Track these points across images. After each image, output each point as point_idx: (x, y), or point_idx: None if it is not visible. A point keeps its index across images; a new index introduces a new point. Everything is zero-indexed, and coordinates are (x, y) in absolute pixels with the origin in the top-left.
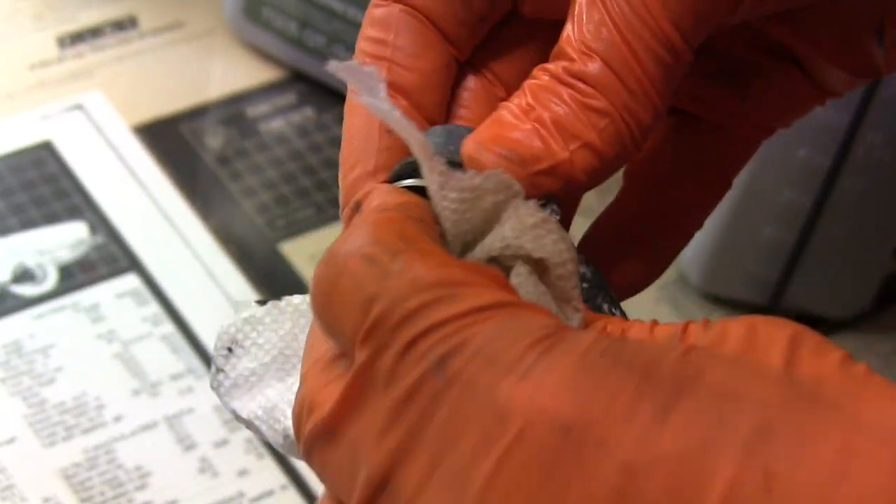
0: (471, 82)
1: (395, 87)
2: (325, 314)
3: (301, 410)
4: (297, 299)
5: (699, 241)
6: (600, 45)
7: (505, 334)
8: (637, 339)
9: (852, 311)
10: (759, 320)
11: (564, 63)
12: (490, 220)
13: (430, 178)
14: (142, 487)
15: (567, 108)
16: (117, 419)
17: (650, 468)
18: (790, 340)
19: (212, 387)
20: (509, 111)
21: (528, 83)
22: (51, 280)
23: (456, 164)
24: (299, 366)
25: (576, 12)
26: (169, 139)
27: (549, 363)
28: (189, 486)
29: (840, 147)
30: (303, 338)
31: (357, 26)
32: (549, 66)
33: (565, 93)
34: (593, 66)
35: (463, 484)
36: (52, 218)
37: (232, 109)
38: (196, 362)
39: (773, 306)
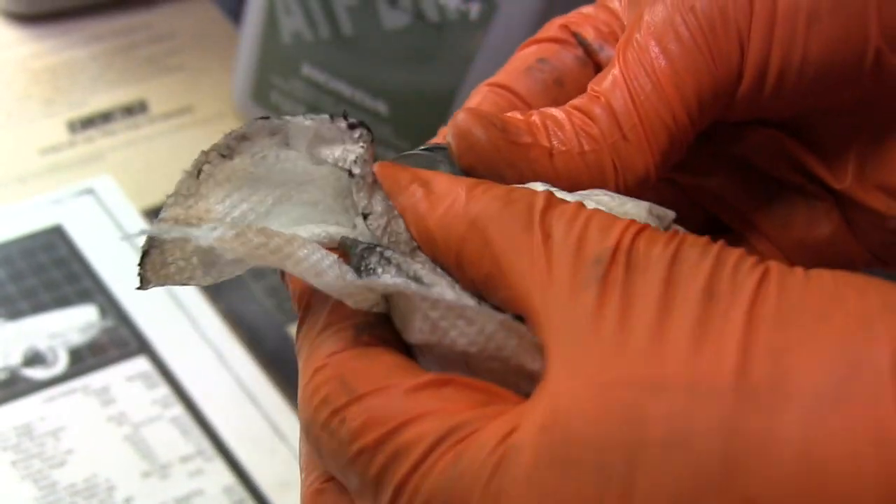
0: None
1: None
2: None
3: None
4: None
5: None
6: (607, 89)
7: (456, 484)
8: (583, 412)
9: None
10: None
11: (574, 102)
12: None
13: None
14: None
15: (563, 124)
16: (127, 501)
17: None
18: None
19: None
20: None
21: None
22: (61, 363)
23: None
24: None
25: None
26: None
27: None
28: None
29: None
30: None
31: (364, 110)
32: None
33: (565, 113)
34: (597, 105)
35: None
36: (62, 301)
37: None
38: (205, 444)
39: None
